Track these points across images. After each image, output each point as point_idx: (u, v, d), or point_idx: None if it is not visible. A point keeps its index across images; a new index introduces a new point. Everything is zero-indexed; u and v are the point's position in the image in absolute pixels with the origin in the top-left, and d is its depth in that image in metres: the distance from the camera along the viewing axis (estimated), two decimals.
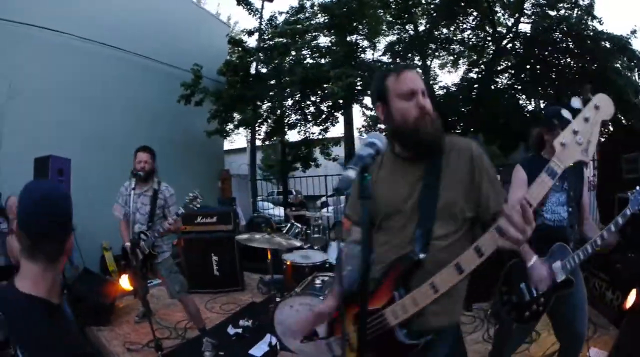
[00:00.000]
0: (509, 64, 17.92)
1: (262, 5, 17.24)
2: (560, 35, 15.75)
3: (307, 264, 6.54)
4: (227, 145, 23.26)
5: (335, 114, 17.94)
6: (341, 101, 16.13)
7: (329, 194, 15.95)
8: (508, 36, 16.97)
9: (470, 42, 18.26)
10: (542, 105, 18.02)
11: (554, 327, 4.03)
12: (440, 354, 2.40)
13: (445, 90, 18.32)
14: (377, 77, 2.53)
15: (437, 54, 19.17)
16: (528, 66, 17.37)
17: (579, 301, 3.70)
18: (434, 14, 17.40)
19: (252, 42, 17.47)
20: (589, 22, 15.11)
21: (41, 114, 10.15)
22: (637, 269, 5.53)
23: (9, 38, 9.65)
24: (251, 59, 16.70)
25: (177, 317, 7.06)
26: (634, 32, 15.24)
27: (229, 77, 15.77)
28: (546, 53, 16.51)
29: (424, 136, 2.30)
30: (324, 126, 17.77)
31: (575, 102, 1.85)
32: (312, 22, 16.84)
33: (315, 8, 17.13)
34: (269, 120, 17.68)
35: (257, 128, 17.92)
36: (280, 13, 17.20)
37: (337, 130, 19.51)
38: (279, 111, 17.08)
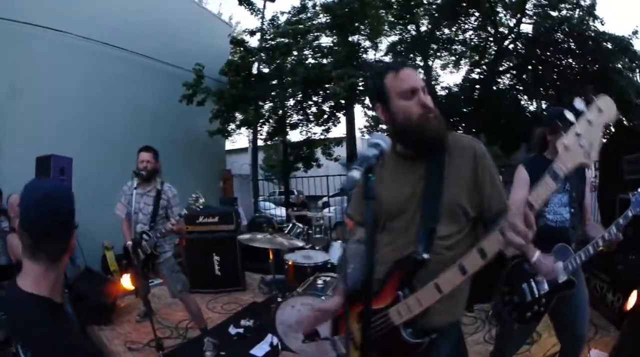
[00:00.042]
0: (511, 64, 17.89)
1: (264, 5, 17.25)
2: (562, 36, 15.74)
3: (309, 264, 6.56)
4: (229, 145, 23.26)
5: (337, 114, 17.89)
6: (343, 101, 16.11)
7: (331, 194, 15.96)
8: (510, 37, 16.95)
9: (472, 43, 18.24)
10: (543, 106, 18.02)
11: (555, 328, 4.03)
12: (443, 352, 2.41)
13: (447, 91, 18.34)
14: (373, 76, 2.52)
15: (439, 54, 19.13)
16: (530, 67, 17.37)
17: (581, 302, 3.71)
18: (436, 14, 17.38)
19: (253, 42, 17.47)
20: (591, 23, 15.10)
21: (43, 113, 10.15)
22: (638, 271, 5.53)
23: (10, 38, 9.65)
24: (253, 59, 16.68)
25: (179, 316, 7.07)
26: (635, 32, 15.22)
27: (230, 77, 15.76)
28: (548, 54, 16.51)
29: (429, 134, 2.30)
30: (326, 126, 17.73)
31: (578, 103, 1.86)
32: (314, 22, 16.82)
33: (317, 8, 17.10)
34: (271, 121, 17.66)
35: (258, 128, 17.91)
36: (282, 13, 17.17)
37: (338, 130, 19.51)
38: (280, 111, 17.10)
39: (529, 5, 16.14)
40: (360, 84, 15.23)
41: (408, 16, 17.48)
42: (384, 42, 19.21)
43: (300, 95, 16.82)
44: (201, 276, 8.41)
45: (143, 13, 13.62)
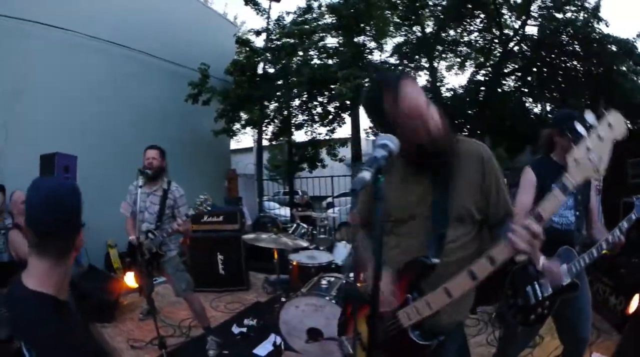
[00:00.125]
0: (516, 66, 17.87)
1: (270, 6, 17.24)
2: (566, 38, 15.72)
3: (313, 264, 6.57)
4: (234, 144, 23.25)
5: (342, 115, 17.85)
6: (348, 102, 16.07)
7: (336, 195, 15.95)
8: (515, 39, 16.93)
9: (477, 44, 18.22)
10: (548, 109, 18.00)
11: (558, 330, 4.04)
12: (449, 352, 2.44)
13: (452, 93, 18.31)
14: (370, 99, 2.43)
15: (444, 55, 19.09)
16: (535, 69, 17.35)
17: (584, 305, 3.71)
18: (441, 16, 17.35)
19: (259, 42, 17.45)
20: (595, 25, 15.07)
21: (47, 111, 10.17)
22: None
23: (14, 36, 9.67)
24: (258, 59, 16.66)
25: (182, 315, 7.07)
26: (639, 35, 15.22)
27: (236, 77, 15.73)
28: (553, 56, 16.50)
29: (437, 149, 2.28)
30: (331, 127, 17.70)
31: (590, 117, 1.90)
32: (319, 22, 16.77)
33: (322, 9, 17.08)
34: (276, 121, 17.64)
35: (264, 128, 17.89)
36: (288, 13, 17.12)
37: (344, 131, 19.46)
38: (286, 111, 17.09)
39: (534, 7, 16.13)
40: (365, 84, 15.22)
41: (413, 17, 17.47)
42: (390, 43, 19.22)
43: (306, 96, 16.80)
44: (205, 275, 8.40)
45: (149, 12, 13.63)
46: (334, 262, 6.79)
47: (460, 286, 2.16)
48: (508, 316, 3.66)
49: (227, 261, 8.69)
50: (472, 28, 17.87)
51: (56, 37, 10.58)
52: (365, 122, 21.44)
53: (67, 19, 10.77)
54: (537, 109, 18.45)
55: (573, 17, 15.49)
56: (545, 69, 17.08)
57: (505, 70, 17.79)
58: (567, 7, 15.56)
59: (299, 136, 18.55)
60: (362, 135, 20.66)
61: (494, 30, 17.38)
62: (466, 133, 17.18)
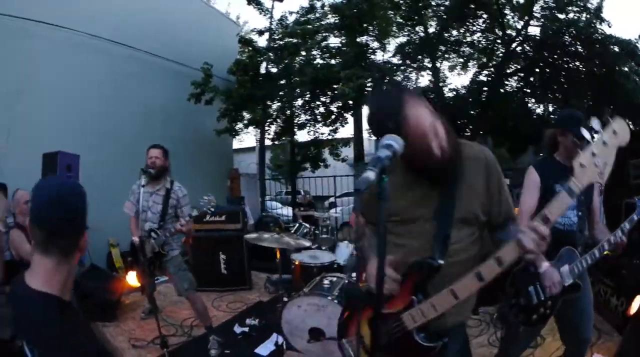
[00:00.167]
0: (518, 67, 17.85)
1: (273, 5, 17.25)
2: (569, 39, 15.70)
3: (315, 264, 6.57)
4: (236, 144, 23.23)
5: (345, 114, 17.81)
6: (351, 102, 16.06)
7: (338, 194, 15.96)
8: (517, 39, 16.91)
9: (480, 45, 18.20)
10: (550, 109, 17.99)
11: (560, 330, 4.04)
12: (452, 352, 2.43)
13: (454, 93, 18.29)
14: (372, 122, 2.38)
15: (446, 56, 19.06)
16: (537, 69, 17.33)
17: (586, 306, 3.73)
18: (444, 16, 17.34)
19: (262, 41, 17.47)
20: (598, 26, 15.05)
21: (50, 111, 10.17)
22: None
23: (19, 35, 9.68)
24: (261, 58, 16.67)
25: (184, 314, 7.09)
26: None
27: (239, 77, 15.73)
28: (555, 56, 16.48)
29: (440, 167, 2.29)
30: (334, 127, 17.67)
31: (595, 124, 1.97)
32: (322, 22, 16.78)
33: (325, 8, 17.09)
34: (279, 120, 17.64)
35: (266, 128, 17.90)
36: (291, 13, 17.13)
37: (346, 131, 19.45)
38: (288, 111, 17.08)
39: (536, 8, 16.11)
40: (368, 84, 15.20)
41: (416, 17, 17.46)
42: (392, 43, 19.21)
43: (308, 96, 16.79)
44: (207, 275, 8.40)
45: (151, 12, 13.64)
46: (336, 262, 6.79)
47: (466, 287, 2.18)
48: (510, 315, 3.66)
49: (229, 260, 8.70)
50: (474, 28, 17.86)
51: (59, 37, 10.58)
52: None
53: (70, 18, 10.78)
54: (539, 110, 18.47)
55: (575, 17, 15.47)
56: (547, 70, 17.06)
57: (508, 71, 17.76)
58: (570, 8, 15.54)
59: (302, 136, 18.58)
60: (365, 135, 20.72)
61: (496, 30, 17.36)
62: (468, 133, 17.19)
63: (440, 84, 18.31)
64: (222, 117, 15.73)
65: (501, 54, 17.57)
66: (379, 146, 1.87)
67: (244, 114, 16.62)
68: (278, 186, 26.06)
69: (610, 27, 15.06)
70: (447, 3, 17.18)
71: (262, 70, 16.84)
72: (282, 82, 16.42)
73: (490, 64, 18.16)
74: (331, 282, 5.22)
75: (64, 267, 1.76)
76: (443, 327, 2.34)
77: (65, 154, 8.04)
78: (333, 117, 17.58)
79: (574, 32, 15.23)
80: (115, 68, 12.10)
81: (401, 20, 18.08)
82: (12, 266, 5.55)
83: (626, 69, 15.27)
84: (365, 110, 20.04)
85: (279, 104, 17.19)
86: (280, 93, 16.41)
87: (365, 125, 20.16)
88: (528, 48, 17.14)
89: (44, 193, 1.76)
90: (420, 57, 18.28)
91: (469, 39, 18.27)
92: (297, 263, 6.70)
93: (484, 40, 18.07)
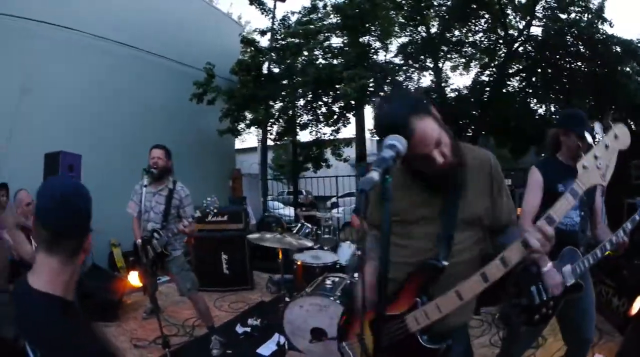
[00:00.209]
0: (520, 67, 17.84)
1: (275, 5, 17.26)
2: (571, 39, 15.68)
3: (317, 264, 6.57)
4: (238, 144, 23.21)
5: (347, 115, 17.84)
6: (353, 102, 16.07)
7: (340, 195, 15.95)
8: (519, 39, 16.88)
9: (482, 45, 18.17)
10: (552, 109, 17.97)
11: (562, 330, 4.05)
12: (455, 353, 2.45)
13: (456, 93, 18.27)
14: (378, 130, 2.38)
15: (449, 56, 19.03)
16: (539, 70, 17.32)
17: (588, 306, 3.74)
18: (446, 16, 17.31)
19: (264, 41, 17.49)
20: (600, 26, 15.03)
21: (52, 111, 10.18)
22: None
23: (21, 35, 9.69)
24: (263, 58, 16.66)
25: (185, 314, 7.09)
26: None
27: (241, 77, 15.73)
28: (557, 57, 16.46)
29: (447, 181, 2.33)
30: (336, 127, 17.69)
31: (597, 128, 2.04)
32: (324, 22, 16.81)
33: (327, 8, 17.13)
34: (281, 120, 17.65)
35: (268, 128, 17.88)
36: (293, 13, 17.16)
37: (348, 131, 19.50)
38: (290, 111, 17.08)
39: (538, 8, 16.09)
40: (370, 85, 15.20)
41: (418, 17, 17.45)
42: (395, 44, 19.21)
43: (311, 96, 16.78)
44: (209, 275, 8.39)
45: (153, 12, 13.65)
46: (338, 262, 6.78)
47: (471, 288, 2.20)
48: (512, 315, 3.66)
49: (231, 260, 8.71)
50: (476, 28, 17.84)
51: (61, 37, 10.60)
52: (370, 122, 21.42)
53: (72, 19, 10.80)
54: (541, 110, 18.39)
55: (577, 17, 15.46)
56: (549, 70, 17.04)
57: (510, 71, 17.74)
58: (572, 8, 15.53)
59: (304, 136, 18.65)
60: (367, 135, 20.69)
61: (498, 30, 17.35)
62: (470, 133, 17.20)
63: (443, 84, 18.29)
64: (225, 117, 15.75)
65: (503, 54, 17.56)
66: (383, 146, 1.87)
67: (246, 114, 16.65)
68: (280, 186, 26.10)
69: (612, 27, 15.06)
70: (449, 3, 17.16)
71: (265, 71, 16.83)
72: (285, 82, 16.43)
73: (492, 64, 18.15)
74: (333, 283, 5.22)
75: (68, 267, 1.76)
76: (446, 328, 2.35)
77: (67, 154, 8.05)
78: (335, 117, 17.60)
79: (575, 32, 15.22)
80: (118, 68, 12.11)
81: (403, 21, 18.08)
82: (13, 266, 5.55)
83: (628, 69, 15.26)
84: (370, 114, 20.09)
85: (281, 104, 17.18)
86: (283, 93, 16.41)
87: (367, 125, 20.20)
88: (530, 48, 17.12)
89: (49, 194, 1.76)
90: (422, 57, 18.27)
91: (471, 39, 18.26)
92: (299, 263, 6.70)
93: (486, 40, 18.06)
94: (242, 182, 17.25)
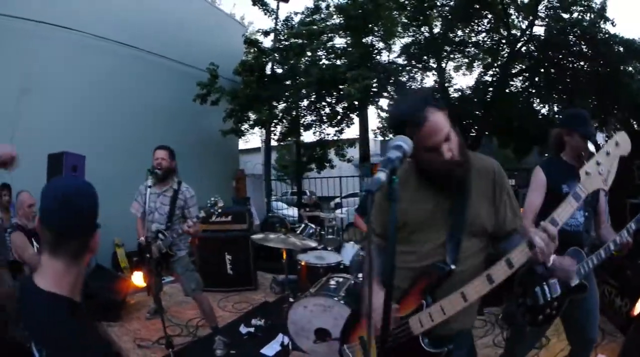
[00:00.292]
0: (523, 67, 17.81)
1: (278, 6, 17.24)
2: (573, 39, 15.65)
3: (321, 264, 6.58)
4: (242, 144, 23.22)
5: (351, 115, 17.85)
6: (357, 103, 16.06)
7: (344, 195, 15.96)
8: (522, 39, 16.85)
9: (485, 45, 18.14)
10: (556, 109, 17.95)
11: (566, 331, 4.07)
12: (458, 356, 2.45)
13: (460, 93, 18.25)
14: (392, 125, 2.51)
15: (452, 56, 18.97)
16: (542, 69, 17.29)
17: (593, 306, 3.75)
18: (449, 16, 17.28)
19: (267, 42, 17.44)
20: (602, 25, 14.99)
21: (55, 111, 10.19)
22: None
23: (23, 36, 9.70)
24: (267, 59, 16.64)
25: (189, 315, 7.11)
26: None
27: (244, 77, 15.71)
28: (560, 56, 16.43)
29: (451, 180, 2.35)
30: (339, 127, 17.68)
31: (599, 136, 2.16)
32: (327, 23, 16.77)
33: (330, 9, 17.11)
34: (285, 121, 17.62)
35: (272, 128, 17.85)
36: (296, 14, 17.10)
37: (352, 131, 19.45)
38: (294, 112, 17.06)
39: (541, 7, 16.05)
40: (374, 85, 15.20)
41: (421, 18, 17.39)
42: (398, 44, 19.16)
43: (314, 96, 16.76)
44: (213, 275, 8.41)
45: (156, 13, 13.66)
46: (342, 263, 6.79)
47: (476, 290, 2.23)
48: (517, 316, 3.66)
49: (235, 260, 8.72)
50: (479, 28, 17.79)
51: (63, 38, 10.62)
52: (373, 122, 21.41)
53: (75, 19, 10.81)
54: (544, 110, 18.37)
55: (580, 17, 15.43)
56: (552, 70, 17.01)
57: (513, 71, 17.69)
58: (574, 7, 15.50)
59: (307, 136, 18.60)
60: (371, 135, 20.72)
61: (501, 30, 17.31)
62: (474, 134, 17.18)
63: (446, 85, 18.23)
64: (228, 118, 15.72)
65: (506, 54, 17.52)
66: (389, 147, 1.88)
67: (250, 114, 16.62)
68: (284, 186, 26.16)
69: (614, 26, 15.02)
70: (452, 3, 17.12)
71: (268, 71, 16.82)
72: (288, 82, 16.38)
73: (495, 64, 18.12)
74: (337, 283, 5.23)
75: (73, 268, 1.76)
76: (448, 332, 2.37)
77: (70, 155, 8.06)
78: (339, 117, 17.60)
79: (578, 31, 15.18)
80: (120, 69, 12.12)
81: (406, 21, 18.03)
82: (14, 266, 5.56)
83: (630, 69, 15.25)
84: (375, 114, 20.03)
85: (284, 104, 17.15)
86: (286, 94, 16.33)
87: (371, 125, 20.20)
88: (533, 48, 17.08)
89: (52, 194, 1.76)
90: (425, 57, 18.21)
91: (474, 39, 18.22)
92: (303, 264, 6.71)
93: (489, 40, 18.02)
94: (246, 182, 17.29)
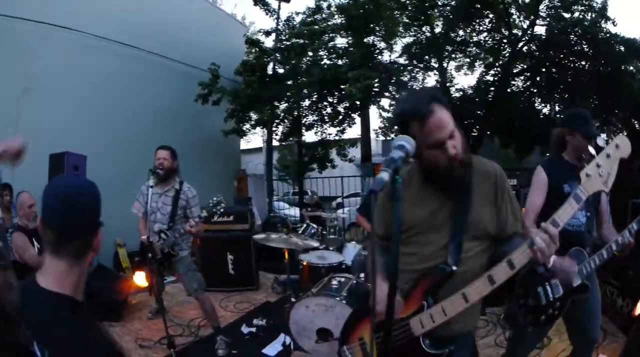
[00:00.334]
0: (525, 66, 17.79)
1: (279, 6, 17.23)
2: (574, 38, 15.63)
3: (323, 264, 6.58)
4: (244, 144, 23.23)
5: (352, 115, 17.87)
6: (358, 103, 16.06)
7: (345, 195, 15.96)
8: (524, 39, 16.83)
9: (486, 45, 18.12)
10: (557, 109, 17.94)
11: (568, 331, 4.06)
12: None
13: (461, 93, 18.24)
14: (398, 120, 2.54)
15: (453, 56, 18.95)
16: (543, 69, 17.27)
17: (595, 307, 3.77)
18: (450, 16, 17.25)
19: (268, 42, 17.47)
20: (603, 25, 14.98)
21: (57, 111, 10.18)
22: None
23: (25, 37, 9.70)
24: (268, 59, 16.66)
25: (191, 314, 7.12)
26: None
27: (246, 77, 15.73)
28: (561, 56, 16.42)
29: (454, 180, 2.36)
30: (341, 127, 17.68)
31: (600, 139, 2.18)
32: (329, 23, 16.79)
33: (332, 9, 17.13)
34: (286, 121, 17.63)
35: (274, 128, 17.85)
36: (297, 14, 17.14)
37: (353, 131, 19.46)
38: (296, 112, 17.05)
39: (542, 7, 16.03)
40: (375, 85, 15.20)
41: (423, 17, 17.37)
42: (399, 44, 19.15)
43: (316, 96, 16.74)
44: (215, 275, 8.40)
45: (158, 13, 13.67)
46: (344, 263, 6.79)
47: (478, 290, 2.24)
48: (519, 315, 3.66)
49: (237, 260, 8.73)
50: (481, 28, 17.77)
51: (63, 38, 10.62)
52: (375, 122, 21.42)
53: (75, 19, 10.81)
54: (546, 109, 18.37)
55: (581, 16, 15.41)
56: (554, 69, 16.99)
57: (514, 71, 17.68)
58: (575, 7, 15.49)
59: (309, 136, 18.62)
60: (372, 135, 20.77)
61: (502, 30, 17.29)
62: (475, 133, 17.17)
63: (447, 84, 18.21)
64: (230, 118, 15.74)
65: (507, 54, 17.50)
66: (392, 147, 1.89)
67: (252, 114, 16.63)
68: (285, 186, 26.14)
69: (615, 25, 15.00)
70: (453, 3, 17.10)
71: (269, 71, 16.82)
72: (289, 82, 16.39)
73: (497, 64, 18.11)
74: (339, 283, 5.23)
75: (76, 268, 1.76)
76: (449, 334, 2.37)
77: (72, 155, 8.07)
78: (340, 117, 17.61)
79: (579, 31, 15.16)
80: (122, 69, 12.12)
81: (407, 21, 18.00)
82: (16, 266, 5.56)
83: (631, 68, 15.24)
84: (376, 114, 20.04)
85: (286, 104, 17.13)
86: (288, 94, 16.32)
87: (372, 125, 20.19)
88: (534, 47, 17.06)
89: (53, 194, 1.76)
90: (427, 57, 18.19)
91: (475, 38, 18.20)
92: (305, 263, 6.71)
93: (490, 40, 18.00)
94: (248, 182, 17.30)
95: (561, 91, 17.28)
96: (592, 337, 3.83)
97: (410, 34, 18.56)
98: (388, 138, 20.63)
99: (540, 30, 16.72)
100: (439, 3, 17.15)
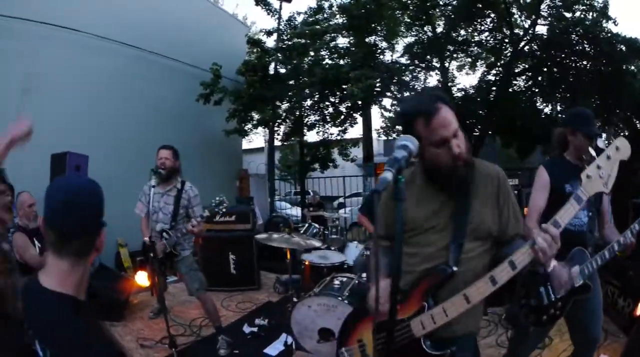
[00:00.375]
0: (526, 66, 17.77)
1: (281, 6, 17.23)
2: (576, 38, 15.62)
3: (325, 264, 6.59)
4: (245, 144, 23.22)
5: (354, 115, 17.86)
6: (360, 102, 16.04)
7: (347, 195, 15.96)
8: (525, 38, 16.81)
9: (488, 44, 18.10)
10: (559, 109, 17.93)
11: (570, 331, 4.06)
12: None
13: (463, 93, 18.22)
14: (403, 118, 2.49)
15: (455, 55, 18.93)
16: (545, 69, 17.25)
17: (597, 307, 3.77)
18: (452, 16, 17.23)
19: (270, 42, 17.48)
20: (604, 24, 14.97)
21: (59, 111, 10.16)
22: None
23: (26, 37, 9.71)
24: (270, 59, 16.67)
25: (192, 314, 7.12)
26: None
27: (247, 77, 15.72)
28: (563, 55, 16.40)
29: (456, 179, 2.37)
30: (343, 127, 17.71)
31: (600, 141, 2.22)
32: (330, 23, 16.79)
33: (333, 9, 17.11)
34: (288, 121, 17.65)
35: (275, 128, 17.88)
36: (299, 13, 17.15)
37: (355, 131, 19.49)
38: (297, 112, 17.07)
39: (543, 7, 16.00)
40: (377, 85, 15.19)
41: (424, 17, 17.36)
42: (401, 43, 19.13)
43: (317, 96, 16.71)
44: (216, 275, 8.41)
45: (159, 13, 13.66)
46: (346, 262, 6.79)
47: (479, 291, 2.23)
48: (521, 316, 3.66)
49: (238, 260, 8.73)
50: (482, 28, 17.75)
51: (64, 38, 10.62)
52: (376, 122, 21.42)
53: (75, 19, 10.81)
54: (547, 109, 18.36)
55: (582, 16, 15.40)
56: (555, 69, 16.97)
57: (516, 70, 17.66)
58: (576, 6, 15.47)
59: (311, 136, 18.67)
60: (374, 135, 20.74)
61: (504, 29, 17.27)
62: (477, 133, 17.16)
63: (449, 84, 18.20)
64: (231, 118, 15.76)
65: (509, 54, 17.48)
66: (395, 147, 1.90)
67: (253, 114, 16.65)
68: (287, 186, 26.13)
69: (616, 25, 14.99)
70: (454, 3, 17.08)
71: (271, 71, 16.83)
72: (291, 82, 16.41)
73: (498, 64, 18.09)
74: (341, 283, 5.24)
75: (78, 268, 1.75)
76: (450, 335, 2.37)
77: (74, 155, 8.08)
78: (342, 117, 17.61)
79: (580, 31, 15.14)
80: (124, 69, 12.13)
81: (409, 20, 17.98)
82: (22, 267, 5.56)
83: (633, 68, 15.24)
84: (378, 114, 20.08)
85: (288, 104, 17.16)
86: (289, 93, 16.36)
87: (374, 125, 20.19)
88: (536, 47, 17.04)
89: (54, 194, 1.75)
90: (428, 57, 18.16)
91: (477, 38, 18.17)
92: (306, 263, 6.73)
93: (491, 39, 17.98)
94: (250, 182, 17.31)
95: (563, 91, 17.26)
96: (593, 337, 3.82)
97: (412, 33, 18.56)
98: (390, 138, 20.63)
99: (541, 29, 16.72)
100: (441, 3, 17.14)
